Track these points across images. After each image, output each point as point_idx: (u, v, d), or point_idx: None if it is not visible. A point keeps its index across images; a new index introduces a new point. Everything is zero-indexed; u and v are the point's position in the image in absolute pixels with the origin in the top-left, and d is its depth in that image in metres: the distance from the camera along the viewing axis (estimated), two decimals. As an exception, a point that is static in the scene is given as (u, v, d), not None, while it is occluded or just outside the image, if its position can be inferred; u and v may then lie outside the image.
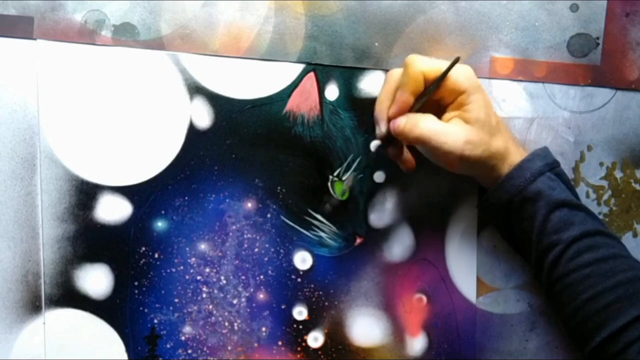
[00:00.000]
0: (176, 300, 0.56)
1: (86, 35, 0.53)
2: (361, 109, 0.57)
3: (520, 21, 0.58)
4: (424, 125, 0.50)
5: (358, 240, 0.58)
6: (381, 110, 0.52)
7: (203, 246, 0.56)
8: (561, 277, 0.51)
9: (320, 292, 0.58)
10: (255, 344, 0.57)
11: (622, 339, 0.49)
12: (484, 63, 0.58)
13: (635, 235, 0.62)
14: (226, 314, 0.56)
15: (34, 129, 0.53)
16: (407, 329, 0.59)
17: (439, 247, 0.59)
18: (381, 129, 0.52)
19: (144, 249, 0.55)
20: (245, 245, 0.56)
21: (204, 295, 0.56)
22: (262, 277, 0.57)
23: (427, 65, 0.50)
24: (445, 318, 0.60)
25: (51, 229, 0.53)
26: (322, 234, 0.57)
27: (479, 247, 0.59)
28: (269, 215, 0.57)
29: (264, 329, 0.57)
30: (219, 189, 0.56)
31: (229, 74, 0.55)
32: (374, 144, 0.54)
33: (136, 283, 0.55)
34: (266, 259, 0.57)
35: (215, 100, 0.55)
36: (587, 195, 0.61)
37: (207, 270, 0.56)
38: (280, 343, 0.57)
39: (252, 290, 0.57)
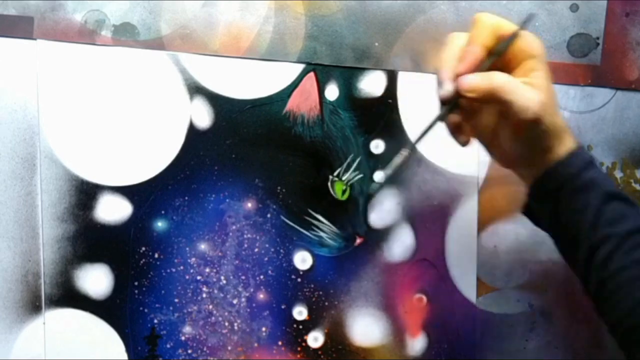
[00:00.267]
0: (176, 300, 0.56)
1: (86, 35, 0.53)
2: (361, 109, 0.57)
3: (521, 21, 0.58)
4: (499, 78, 0.45)
5: (358, 240, 0.58)
6: (446, 69, 0.47)
7: (203, 246, 0.56)
8: (617, 271, 0.46)
9: (320, 292, 0.58)
10: (255, 344, 0.57)
11: None
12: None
13: (635, 235, 0.62)
14: (226, 314, 0.56)
15: (34, 129, 0.53)
16: (407, 329, 0.59)
17: (439, 247, 0.59)
18: (447, 88, 0.46)
19: (144, 249, 0.55)
20: (245, 245, 0.56)
21: (204, 295, 0.56)
22: (262, 277, 0.57)
23: (497, 21, 0.47)
24: (445, 318, 0.60)
25: (51, 229, 0.53)
26: (322, 234, 0.57)
27: (479, 247, 0.59)
28: (269, 215, 0.57)
29: (264, 329, 0.57)
30: (219, 189, 0.56)
31: (229, 74, 0.55)
32: (379, 176, 0.52)
33: (136, 283, 0.55)
34: (266, 259, 0.57)
35: (215, 100, 0.55)
36: (587, 195, 0.61)
37: (207, 270, 0.56)
38: (280, 343, 0.57)
39: (252, 290, 0.57)
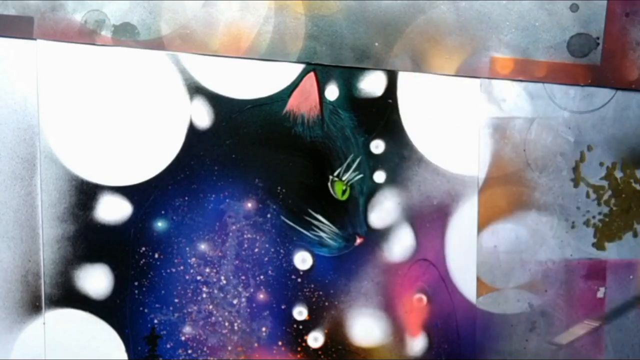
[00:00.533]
0: (176, 300, 0.56)
1: (86, 35, 0.53)
2: (361, 109, 0.57)
3: (520, 21, 0.58)
4: None
5: (358, 240, 0.58)
6: None
7: (203, 246, 0.56)
8: None
9: (320, 292, 0.58)
10: (255, 344, 0.57)
11: None
12: (484, 63, 0.58)
13: (635, 235, 0.62)
14: (226, 314, 0.56)
15: (34, 129, 0.53)
16: (407, 329, 0.59)
17: (439, 247, 0.59)
18: None
19: (144, 249, 0.55)
20: (245, 245, 0.56)
21: (204, 295, 0.56)
22: (262, 277, 0.57)
23: None
24: (445, 318, 0.60)
25: (51, 229, 0.53)
26: (322, 234, 0.57)
27: (479, 247, 0.59)
28: (269, 215, 0.57)
29: (264, 329, 0.57)
30: (219, 189, 0.56)
31: (229, 74, 0.55)
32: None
33: (136, 283, 0.55)
34: (266, 259, 0.57)
35: (215, 100, 0.55)
36: (587, 195, 0.61)
37: (207, 270, 0.56)
38: (280, 343, 0.57)
39: (252, 290, 0.57)
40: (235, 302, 0.57)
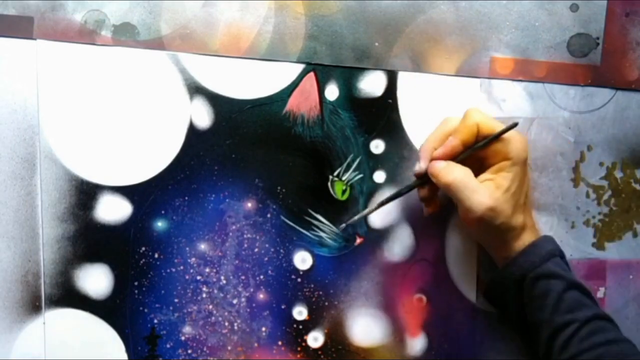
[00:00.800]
0: (176, 300, 0.56)
1: (86, 35, 0.53)
2: (361, 109, 0.57)
3: (520, 21, 0.58)
4: (457, 174, 0.51)
5: (358, 240, 0.58)
6: (427, 149, 0.54)
7: (203, 246, 0.56)
8: (573, 357, 0.50)
9: (320, 292, 0.58)
10: (255, 344, 0.57)
11: None
12: (484, 63, 0.58)
13: (635, 235, 0.62)
14: (226, 314, 0.56)
15: (34, 129, 0.53)
16: (407, 329, 0.59)
17: (439, 247, 0.59)
18: (421, 166, 0.53)
19: (144, 249, 0.55)
20: (245, 245, 0.56)
21: (204, 295, 0.56)
22: (262, 277, 0.57)
23: (484, 121, 0.52)
24: (445, 318, 0.60)
25: (51, 229, 0.53)
26: (322, 234, 0.57)
27: (479, 247, 0.59)
28: (269, 215, 0.57)
29: (264, 329, 0.57)
30: (219, 189, 0.56)
31: (229, 74, 0.55)
32: (341, 227, 0.56)
33: (136, 283, 0.55)
34: (266, 259, 0.57)
35: (215, 100, 0.55)
36: (587, 195, 0.61)
37: (207, 270, 0.56)
38: (280, 343, 0.57)
39: (252, 290, 0.57)
40: (235, 302, 0.57)
